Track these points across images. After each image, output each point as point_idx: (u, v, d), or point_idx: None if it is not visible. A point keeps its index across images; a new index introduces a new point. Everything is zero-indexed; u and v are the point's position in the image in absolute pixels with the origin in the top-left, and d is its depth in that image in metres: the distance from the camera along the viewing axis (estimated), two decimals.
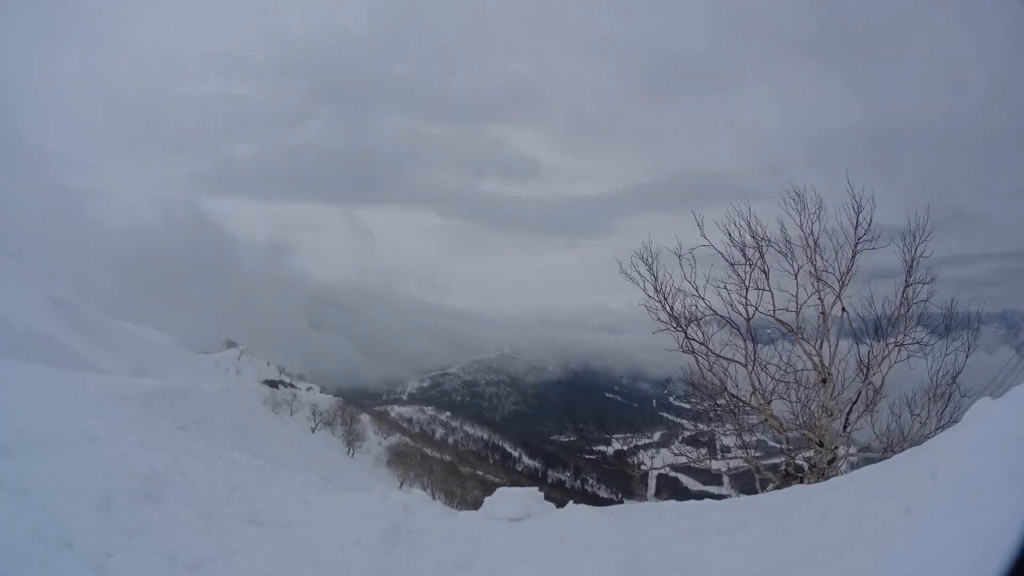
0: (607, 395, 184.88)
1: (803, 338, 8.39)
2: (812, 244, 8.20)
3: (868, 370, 8.08)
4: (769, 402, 8.47)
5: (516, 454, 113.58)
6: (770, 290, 8.34)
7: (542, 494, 7.04)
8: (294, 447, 24.52)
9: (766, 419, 8.52)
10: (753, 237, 8.27)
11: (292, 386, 71.84)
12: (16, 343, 20.70)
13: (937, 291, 7.94)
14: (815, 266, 8.25)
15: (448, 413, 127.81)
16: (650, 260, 8.44)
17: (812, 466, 8.11)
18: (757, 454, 9.10)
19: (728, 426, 9.09)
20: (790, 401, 8.56)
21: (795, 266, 8.29)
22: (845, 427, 8.24)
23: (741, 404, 8.60)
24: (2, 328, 21.10)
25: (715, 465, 10.57)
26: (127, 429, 9.39)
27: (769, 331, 8.98)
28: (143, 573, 3.80)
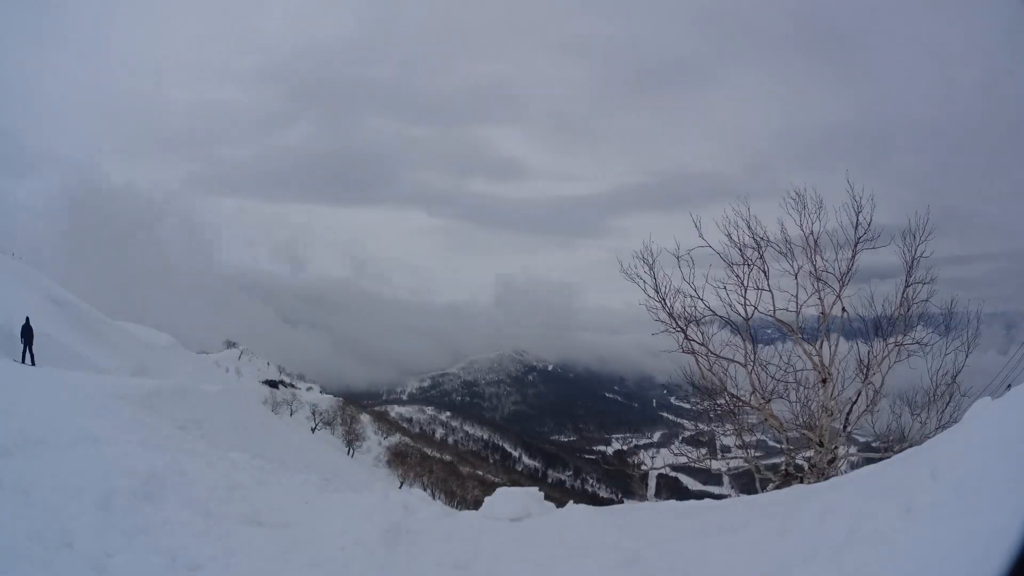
0: (607, 395, 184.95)
1: (803, 338, 8.39)
2: (812, 244, 8.20)
3: (868, 370, 8.08)
4: (769, 402, 8.47)
5: (516, 454, 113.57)
6: (770, 290, 8.35)
7: (542, 494, 7.04)
8: (294, 447, 24.51)
9: (766, 419, 8.52)
10: (752, 237, 8.29)
11: (292, 386, 71.81)
12: (16, 343, 20.68)
13: (937, 291, 7.95)
14: (815, 266, 8.25)
15: (448, 413, 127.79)
16: (650, 261, 8.45)
17: (812, 466, 8.11)
18: (757, 454, 9.11)
19: (728, 426, 9.10)
20: (790, 401, 8.56)
21: (795, 266, 8.31)
22: (845, 427, 8.24)
23: (741, 404, 8.61)
24: (2, 328, 21.08)
25: (715, 465, 10.59)
26: (127, 429, 9.38)
27: (769, 331, 8.99)
28: (143, 573, 3.80)
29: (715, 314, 8.51)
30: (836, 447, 8.12)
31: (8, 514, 3.91)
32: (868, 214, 7.91)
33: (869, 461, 7.37)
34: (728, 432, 9.24)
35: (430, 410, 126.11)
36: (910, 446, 6.12)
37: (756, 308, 8.37)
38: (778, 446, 8.86)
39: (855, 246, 8.04)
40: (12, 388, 10.29)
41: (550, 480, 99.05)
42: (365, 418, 59.50)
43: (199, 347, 71.00)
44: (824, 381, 8.21)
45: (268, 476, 7.99)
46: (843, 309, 8.30)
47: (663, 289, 8.47)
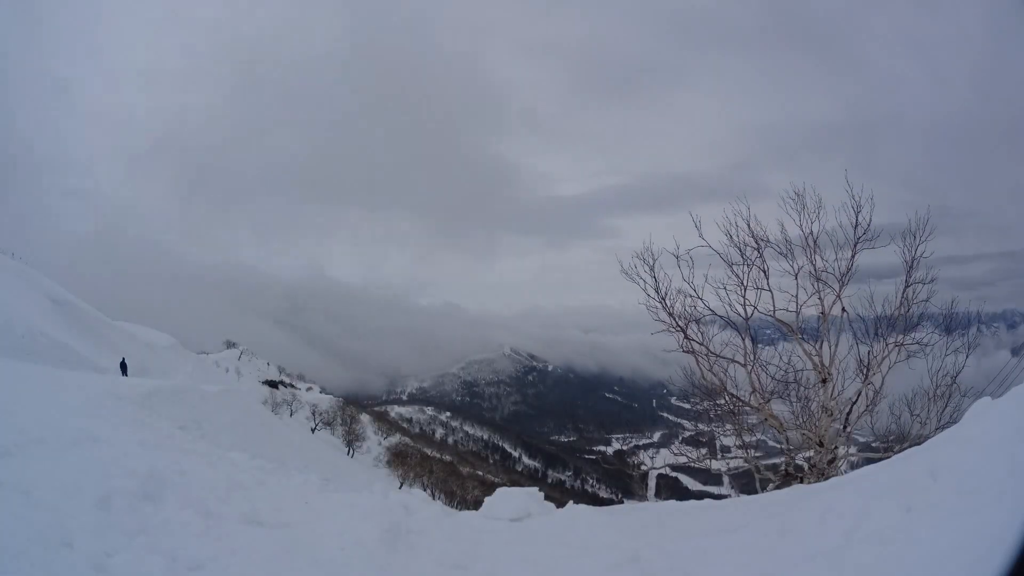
0: (607, 395, 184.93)
1: (803, 338, 8.39)
2: (812, 244, 8.20)
3: (868, 370, 8.08)
4: (769, 402, 8.47)
5: (516, 454, 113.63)
6: (770, 290, 8.35)
7: (542, 494, 7.04)
8: (294, 447, 24.51)
9: (766, 419, 8.52)
10: (752, 237, 8.28)
11: (292, 386, 71.82)
12: (16, 343, 20.70)
13: (937, 291, 7.95)
14: (815, 266, 8.25)
15: (448, 413, 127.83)
16: (650, 261, 8.45)
17: (812, 466, 8.11)
18: (757, 454, 9.10)
19: (728, 426, 9.09)
20: (790, 401, 8.56)
21: (795, 266, 8.30)
22: (845, 427, 8.24)
23: (741, 404, 8.61)
24: (2, 328, 21.09)
25: (715, 465, 10.58)
26: (127, 429, 9.39)
27: (769, 331, 8.99)
28: (143, 573, 3.80)
29: (715, 314, 8.52)
30: (836, 447, 8.12)
31: (8, 514, 3.91)
32: (868, 214, 7.92)
33: (869, 461, 7.37)
34: (728, 432, 9.24)
35: (430, 410, 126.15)
36: (910, 446, 6.12)
37: (756, 308, 8.38)
38: (778, 446, 8.86)
39: (855, 246, 8.04)
40: (12, 388, 10.28)
41: (550, 480, 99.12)
42: (365, 418, 59.54)
43: (199, 347, 71.11)
44: (824, 381, 8.21)
45: (268, 476, 8.00)
46: (843, 309, 8.30)
47: (663, 289, 8.48)
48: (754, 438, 9.10)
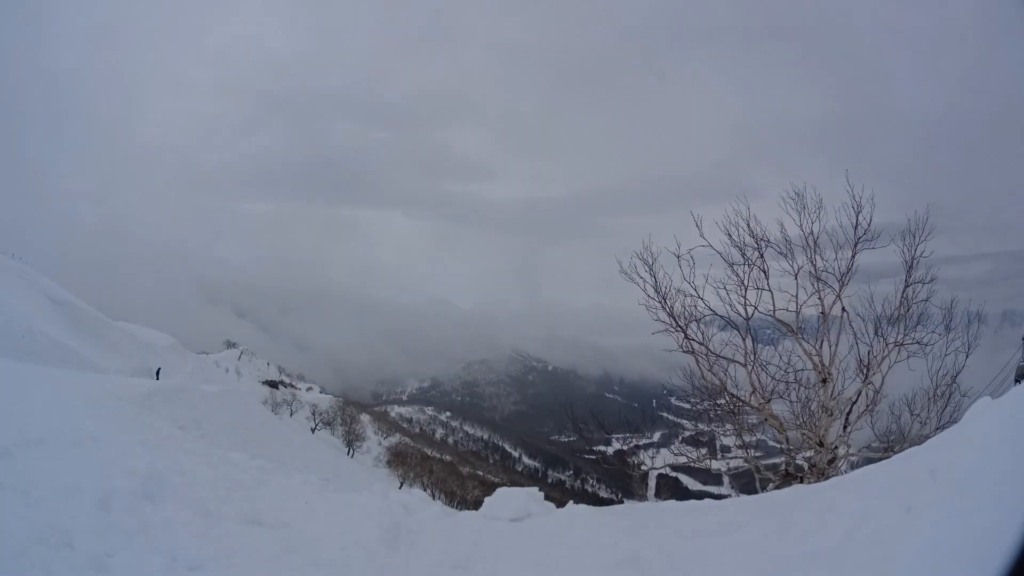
0: (607, 395, 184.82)
1: (803, 338, 8.39)
2: (812, 244, 8.20)
3: (868, 370, 8.08)
4: (769, 402, 8.47)
5: (516, 454, 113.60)
6: (770, 290, 8.34)
7: (542, 494, 7.03)
8: (294, 447, 24.52)
9: (766, 419, 8.52)
10: (752, 237, 8.28)
11: (292, 386, 71.84)
12: (16, 343, 20.70)
13: (937, 291, 7.95)
14: (815, 266, 8.25)
15: (448, 413, 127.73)
16: (649, 261, 8.45)
17: (812, 466, 8.11)
18: (757, 454, 9.10)
19: (728, 426, 9.09)
20: (790, 401, 8.56)
21: (795, 266, 8.29)
22: (845, 427, 8.24)
23: (741, 404, 8.60)
24: (2, 328, 21.09)
25: (715, 465, 10.58)
26: (127, 429, 9.39)
27: (769, 331, 8.98)
28: (143, 573, 3.80)
29: (715, 314, 8.51)
30: (836, 447, 8.11)
31: (8, 514, 3.90)
32: (868, 214, 7.91)
33: (869, 461, 7.37)
34: (728, 432, 9.24)
35: (430, 410, 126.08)
36: (910, 446, 6.12)
37: (756, 308, 8.38)
38: (778, 446, 8.86)
39: (855, 246, 8.03)
40: (12, 388, 10.28)
41: (550, 480, 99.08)
42: (365, 418, 59.56)
43: (199, 347, 71.04)
44: (824, 381, 8.21)
45: (268, 476, 8.00)
46: (843, 309, 8.30)
47: (663, 289, 8.47)
48: (754, 438, 9.10)
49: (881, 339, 8.16)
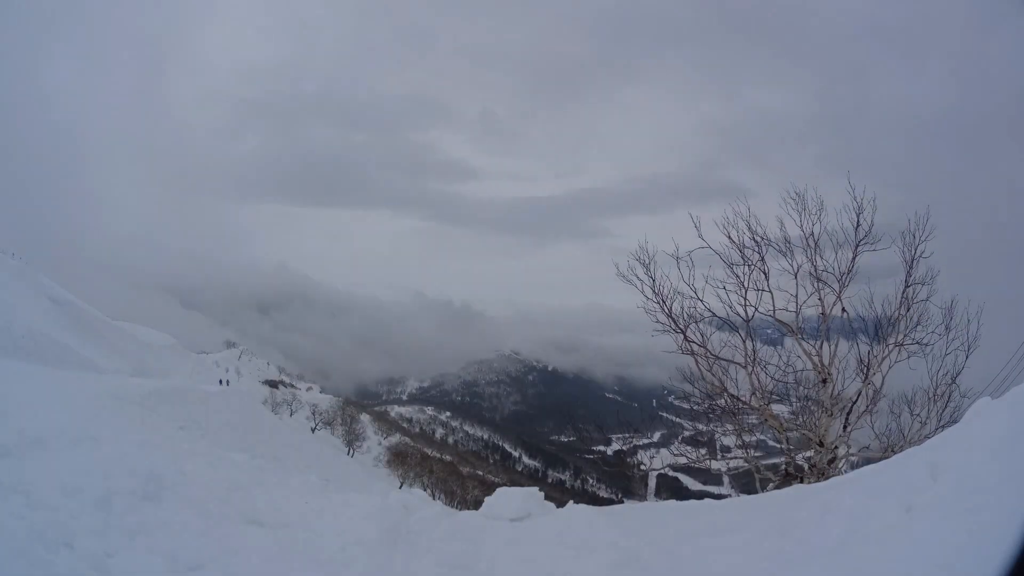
0: (607, 395, 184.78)
1: (803, 338, 8.38)
2: (812, 244, 8.19)
3: (868, 370, 8.08)
4: (769, 402, 8.47)
5: (516, 454, 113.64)
6: (770, 291, 8.34)
7: (542, 494, 7.02)
8: (294, 447, 24.49)
9: (766, 419, 8.52)
10: (752, 237, 8.28)
11: (292, 386, 71.84)
12: (16, 343, 20.68)
13: (937, 291, 7.94)
14: (815, 266, 8.24)
15: (448, 413, 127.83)
16: (647, 262, 8.44)
17: (812, 466, 8.11)
18: (757, 454, 9.10)
19: (728, 426, 9.09)
20: (790, 401, 8.55)
21: (795, 266, 8.29)
22: (845, 427, 8.23)
23: (741, 404, 8.60)
24: (2, 328, 21.07)
25: (715, 465, 10.57)
26: (127, 429, 9.39)
27: (769, 331, 8.98)
28: (143, 573, 3.80)
29: (715, 315, 8.51)
30: (836, 447, 8.11)
31: (8, 514, 3.91)
32: (869, 215, 7.91)
33: (869, 461, 7.37)
34: (728, 432, 9.24)
35: (430, 410, 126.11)
36: (910, 446, 6.12)
37: (756, 309, 8.37)
38: (778, 446, 8.86)
39: (855, 246, 8.03)
40: (12, 388, 10.28)
41: (550, 480, 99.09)
42: (365, 418, 59.53)
43: (199, 347, 71.09)
44: (824, 381, 8.21)
45: (268, 476, 7.99)
46: (843, 309, 8.30)
47: (662, 290, 8.46)
48: (754, 438, 9.10)
49: (881, 339, 8.17)
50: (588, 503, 7.30)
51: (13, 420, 6.71)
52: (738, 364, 8.48)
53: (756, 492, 8.26)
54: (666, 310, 8.46)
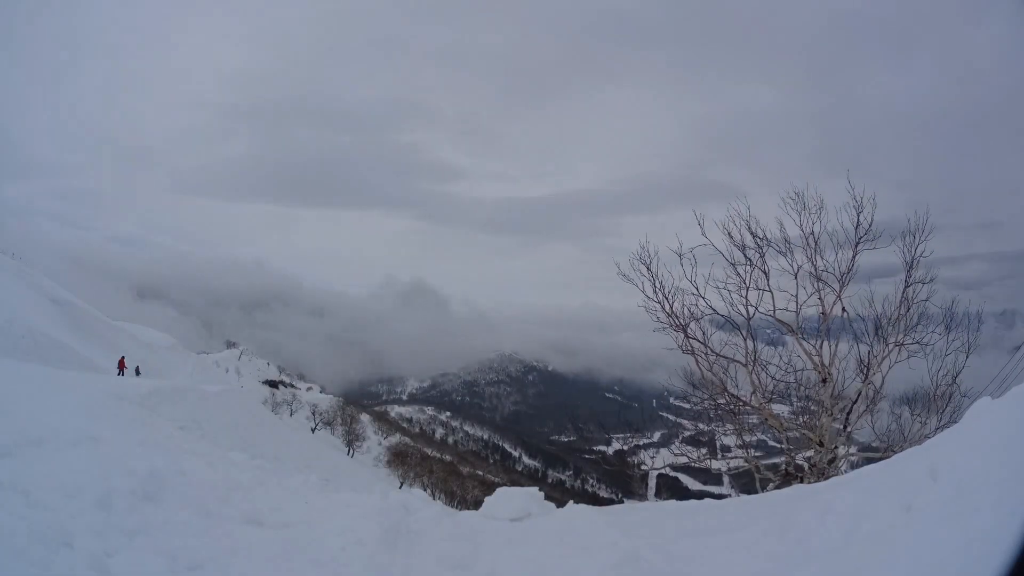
0: (607, 395, 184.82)
1: (803, 338, 8.38)
2: (812, 244, 8.19)
3: (868, 370, 8.08)
4: (769, 402, 8.47)
5: (516, 454, 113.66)
6: (770, 290, 8.34)
7: (542, 494, 7.04)
8: (294, 447, 24.50)
9: (766, 419, 8.52)
10: (753, 237, 8.28)
11: (292, 386, 71.83)
12: (16, 343, 20.72)
13: (937, 291, 7.94)
14: (815, 266, 8.24)
15: (448, 413, 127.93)
16: (648, 260, 8.46)
17: (812, 466, 8.11)
18: (757, 454, 9.10)
19: (728, 426, 9.09)
20: (790, 401, 8.55)
21: (795, 266, 8.29)
22: (845, 427, 8.24)
23: (741, 404, 8.60)
24: (2, 328, 21.09)
25: (715, 465, 10.58)
26: (127, 429, 9.40)
27: (769, 331, 8.98)
28: (143, 573, 3.80)
29: (716, 313, 8.52)
30: (836, 447, 8.11)
31: (8, 514, 3.91)
32: (869, 214, 7.90)
33: (869, 461, 7.37)
34: (728, 432, 9.24)
35: (430, 410, 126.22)
36: (910, 446, 6.12)
37: (757, 308, 8.37)
38: (778, 446, 8.86)
39: (856, 246, 8.03)
40: (12, 388, 10.28)
41: (550, 480, 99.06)
42: (365, 418, 59.53)
43: (199, 347, 71.07)
44: (824, 381, 8.21)
45: (268, 476, 8.00)
46: (843, 309, 8.30)
47: (663, 289, 8.47)
48: (754, 438, 9.10)
49: (881, 339, 8.16)
50: (588, 503, 7.30)
51: (13, 420, 6.72)
52: (739, 363, 8.48)
53: (756, 492, 8.26)
54: (667, 308, 8.47)
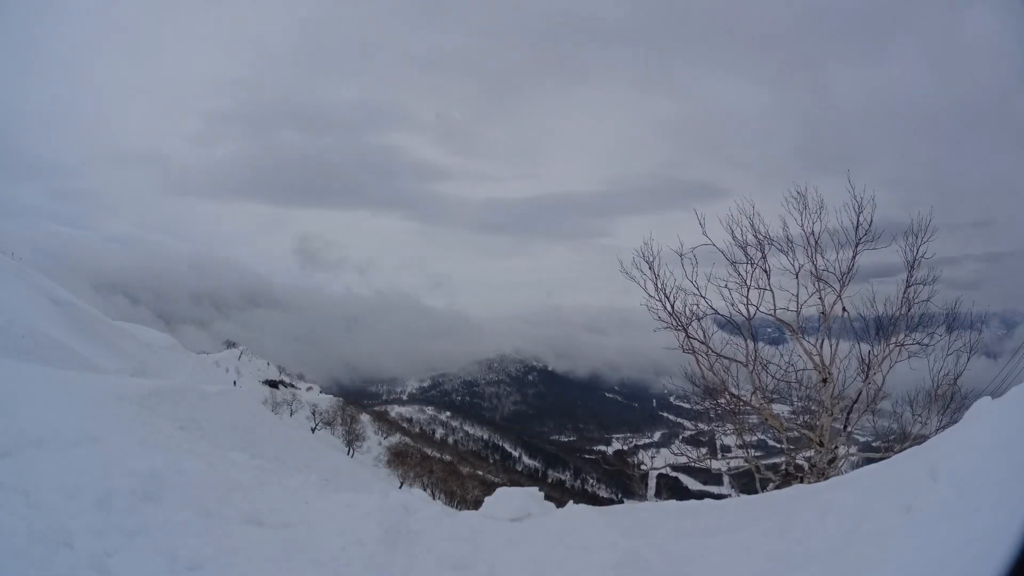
0: (607, 395, 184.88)
1: (804, 338, 8.39)
2: (813, 243, 8.19)
3: (869, 370, 8.08)
4: (770, 402, 8.47)
5: (516, 454, 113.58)
6: (771, 289, 8.34)
7: (542, 494, 7.03)
8: (294, 447, 24.48)
9: (766, 419, 8.52)
10: (755, 236, 8.28)
11: (292, 386, 71.80)
12: (16, 343, 20.69)
13: (938, 291, 7.94)
14: (816, 265, 8.24)
15: (448, 413, 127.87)
16: (650, 259, 8.47)
17: (812, 466, 8.11)
18: (757, 454, 9.10)
19: (728, 426, 9.09)
20: (791, 401, 8.55)
21: (796, 265, 8.29)
22: (845, 427, 8.24)
23: (742, 404, 8.60)
24: (2, 328, 21.07)
25: (715, 465, 10.58)
26: (127, 429, 9.39)
27: (770, 330, 8.99)
28: (143, 573, 3.80)
29: (717, 313, 8.53)
30: (836, 447, 8.11)
31: (8, 514, 3.91)
32: (869, 214, 7.91)
33: (869, 461, 7.37)
34: (728, 432, 9.24)
35: (430, 410, 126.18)
36: (910, 446, 6.12)
37: (758, 308, 8.38)
38: (778, 446, 8.86)
39: (856, 246, 8.03)
40: (12, 388, 10.27)
41: (550, 480, 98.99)
42: (365, 418, 59.53)
43: (198, 347, 71.09)
44: (825, 381, 8.21)
45: (268, 476, 8.00)
46: (844, 309, 8.30)
47: (665, 288, 8.48)
48: (754, 438, 9.11)
49: (882, 339, 8.17)
50: (588, 503, 7.30)
51: (13, 420, 6.71)
52: (739, 362, 8.49)
53: (756, 492, 8.26)
54: (668, 307, 8.47)
